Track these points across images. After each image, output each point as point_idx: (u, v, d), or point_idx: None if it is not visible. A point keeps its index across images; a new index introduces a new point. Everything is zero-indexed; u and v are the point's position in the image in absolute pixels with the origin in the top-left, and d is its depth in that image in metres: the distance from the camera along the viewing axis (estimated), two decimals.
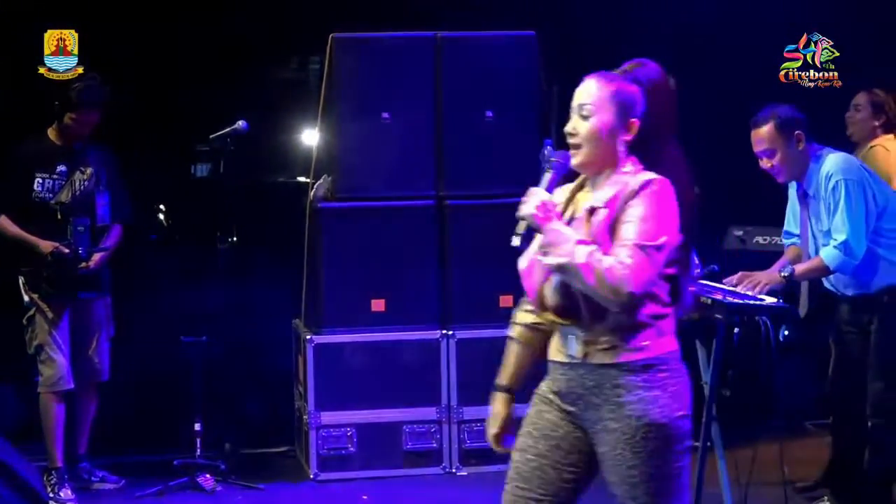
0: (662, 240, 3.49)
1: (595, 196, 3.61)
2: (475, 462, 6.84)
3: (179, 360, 6.91)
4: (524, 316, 3.83)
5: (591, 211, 3.58)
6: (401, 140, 6.93)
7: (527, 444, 3.70)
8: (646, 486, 3.55)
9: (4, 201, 6.60)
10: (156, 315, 7.73)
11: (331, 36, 6.94)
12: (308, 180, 7.29)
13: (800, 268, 5.68)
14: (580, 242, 3.48)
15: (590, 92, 3.63)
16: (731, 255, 7.39)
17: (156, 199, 8.47)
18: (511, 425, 3.82)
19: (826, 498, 6.08)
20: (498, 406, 3.82)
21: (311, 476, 6.81)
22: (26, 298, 6.60)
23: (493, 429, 3.83)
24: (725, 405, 5.66)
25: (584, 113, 3.62)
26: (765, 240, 7.53)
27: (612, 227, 3.53)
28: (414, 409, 6.86)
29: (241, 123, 6.74)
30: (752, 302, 5.33)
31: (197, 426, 6.72)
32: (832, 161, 5.68)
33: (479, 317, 6.82)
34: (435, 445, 6.89)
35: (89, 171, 6.70)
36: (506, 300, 6.59)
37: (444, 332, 6.88)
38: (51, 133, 6.68)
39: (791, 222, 5.99)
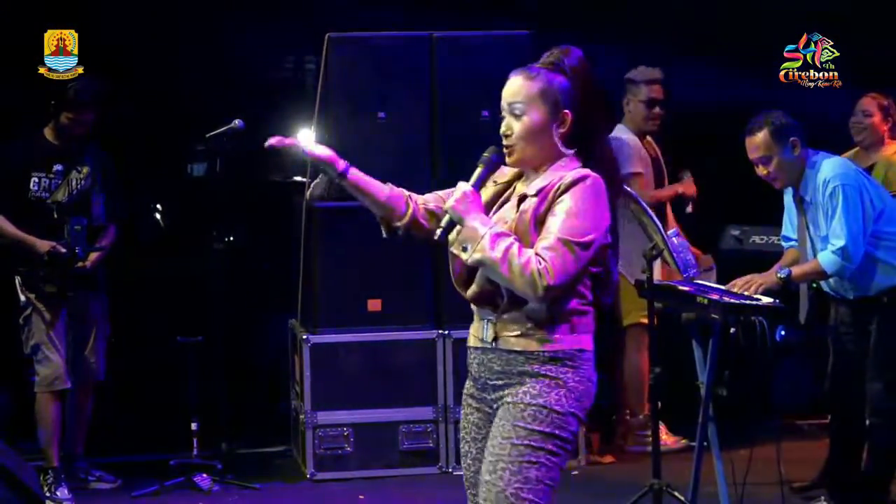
0: (589, 237, 3.43)
1: (530, 185, 3.58)
2: None
3: (176, 360, 6.91)
4: (419, 197, 3.73)
5: (522, 198, 3.56)
6: (397, 140, 6.91)
7: (465, 450, 3.73)
8: (510, 463, 3.49)
9: (0, 201, 6.59)
10: (152, 315, 7.73)
11: (326, 35, 6.93)
12: (304, 180, 7.28)
13: (797, 270, 5.67)
14: (499, 235, 3.45)
15: (518, 90, 3.59)
16: (728, 255, 7.40)
17: (152, 199, 8.46)
18: (294, 146, 3.67)
19: (823, 498, 6.06)
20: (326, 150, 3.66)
21: (308, 476, 6.79)
22: (23, 298, 6.59)
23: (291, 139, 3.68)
24: (722, 405, 5.66)
25: (517, 112, 3.58)
26: (762, 239, 7.51)
27: (539, 218, 3.50)
28: (410, 409, 6.85)
29: (237, 122, 6.72)
30: (748, 302, 5.33)
31: (193, 426, 6.72)
32: (829, 166, 5.66)
33: None
34: (431, 445, 6.87)
35: (86, 170, 6.69)
36: None
37: (441, 331, 6.86)
38: (47, 132, 6.67)
39: (789, 227, 5.97)
